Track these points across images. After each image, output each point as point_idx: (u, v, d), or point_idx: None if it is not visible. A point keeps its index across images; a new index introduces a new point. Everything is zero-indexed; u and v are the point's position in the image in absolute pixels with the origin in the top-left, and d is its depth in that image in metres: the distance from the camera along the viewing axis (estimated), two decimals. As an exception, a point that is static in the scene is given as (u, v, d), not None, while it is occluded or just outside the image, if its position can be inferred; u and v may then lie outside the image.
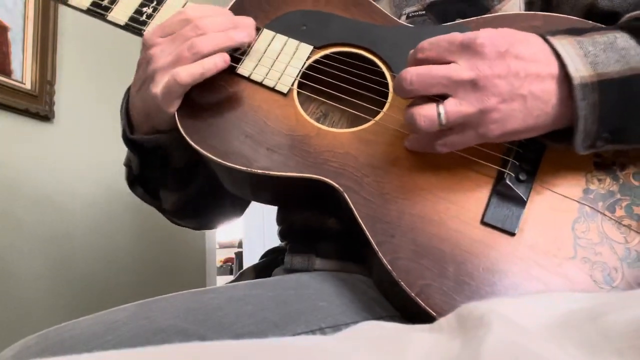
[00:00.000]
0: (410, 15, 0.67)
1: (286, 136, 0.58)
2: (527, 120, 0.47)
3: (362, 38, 0.62)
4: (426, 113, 0.48)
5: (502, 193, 0.52)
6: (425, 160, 0.55)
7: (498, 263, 0.50)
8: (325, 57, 0.63)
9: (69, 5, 0.64)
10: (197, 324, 0.50)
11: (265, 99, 0.60)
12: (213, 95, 0.61)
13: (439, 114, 0.47)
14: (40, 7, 1.32)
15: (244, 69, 0.61)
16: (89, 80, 1.51)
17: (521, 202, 0.52)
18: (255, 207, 0.88)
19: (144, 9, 0.64)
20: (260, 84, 0.61)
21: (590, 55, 0.47)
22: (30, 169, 1.28)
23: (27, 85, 1.29)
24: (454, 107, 0.47)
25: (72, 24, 1.44)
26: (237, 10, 0.65)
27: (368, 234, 0.52)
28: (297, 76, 0.61)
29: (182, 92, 0.58)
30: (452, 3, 0.65)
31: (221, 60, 0.57)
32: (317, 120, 0.63)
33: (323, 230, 0.65)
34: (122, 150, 0.71)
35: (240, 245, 3.97)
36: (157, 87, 0.57)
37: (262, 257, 0.81)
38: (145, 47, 0.59)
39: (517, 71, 0.47)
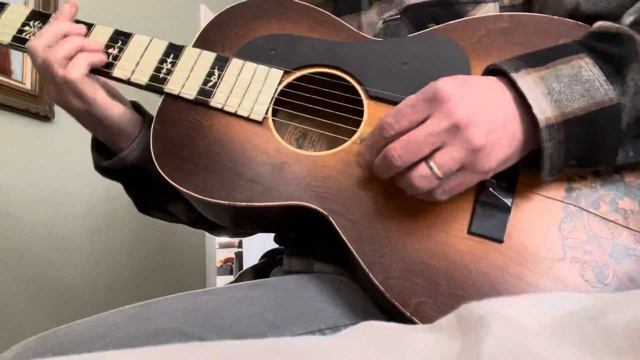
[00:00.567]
0: (387, 19, 0.67)
1: (266, 165, 0.57)
2: (511, 145, 0.47)
3: (331, 57, 0.62)
4: (420, 173, 0.47)
5: (486, 202, 0.52)
6: None
7: (489, 272, 0.50)
8: (298, 78, 0.62)
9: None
10: (197, 325, 0.50)
11: (241, 129, 0.60)
12: (189, 131, 0.60)
13: (431, 168, 0.46)
14: (40, 7, 1.32)
15: (216, 101, 0.61)
16: (88, 81, 1.51)
17: (506, 209, 0.52)
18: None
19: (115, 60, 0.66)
20: (235, 115, 0.60)
21: (554, 92, 0.47)
22: (30, 169, 1.28)
23: (27, 85, 1.29)
24: (444, 157, 0.46)
25: (71, 24, 1.44)
26: (201, 42, 0.65)
27: (358, 256, 0.52)
28: (270, 103, 0.60)
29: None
30: (426, 8, 0.64)
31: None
32: (297, 140, 0.63)
33: (319, 238, 0.65)
34: (122, 151, 0.71)
35: (240, 245, 3.97)
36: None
37: (261, 258, 0.81)
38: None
39: (486, 104, 0.47)
